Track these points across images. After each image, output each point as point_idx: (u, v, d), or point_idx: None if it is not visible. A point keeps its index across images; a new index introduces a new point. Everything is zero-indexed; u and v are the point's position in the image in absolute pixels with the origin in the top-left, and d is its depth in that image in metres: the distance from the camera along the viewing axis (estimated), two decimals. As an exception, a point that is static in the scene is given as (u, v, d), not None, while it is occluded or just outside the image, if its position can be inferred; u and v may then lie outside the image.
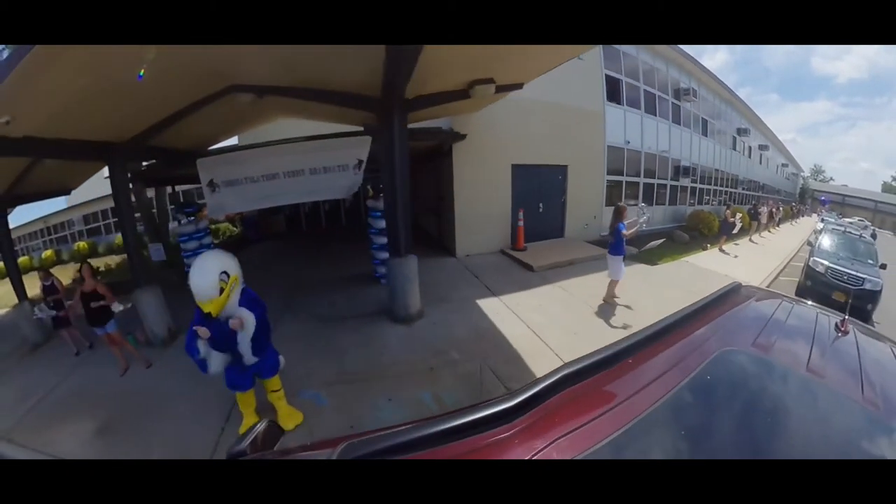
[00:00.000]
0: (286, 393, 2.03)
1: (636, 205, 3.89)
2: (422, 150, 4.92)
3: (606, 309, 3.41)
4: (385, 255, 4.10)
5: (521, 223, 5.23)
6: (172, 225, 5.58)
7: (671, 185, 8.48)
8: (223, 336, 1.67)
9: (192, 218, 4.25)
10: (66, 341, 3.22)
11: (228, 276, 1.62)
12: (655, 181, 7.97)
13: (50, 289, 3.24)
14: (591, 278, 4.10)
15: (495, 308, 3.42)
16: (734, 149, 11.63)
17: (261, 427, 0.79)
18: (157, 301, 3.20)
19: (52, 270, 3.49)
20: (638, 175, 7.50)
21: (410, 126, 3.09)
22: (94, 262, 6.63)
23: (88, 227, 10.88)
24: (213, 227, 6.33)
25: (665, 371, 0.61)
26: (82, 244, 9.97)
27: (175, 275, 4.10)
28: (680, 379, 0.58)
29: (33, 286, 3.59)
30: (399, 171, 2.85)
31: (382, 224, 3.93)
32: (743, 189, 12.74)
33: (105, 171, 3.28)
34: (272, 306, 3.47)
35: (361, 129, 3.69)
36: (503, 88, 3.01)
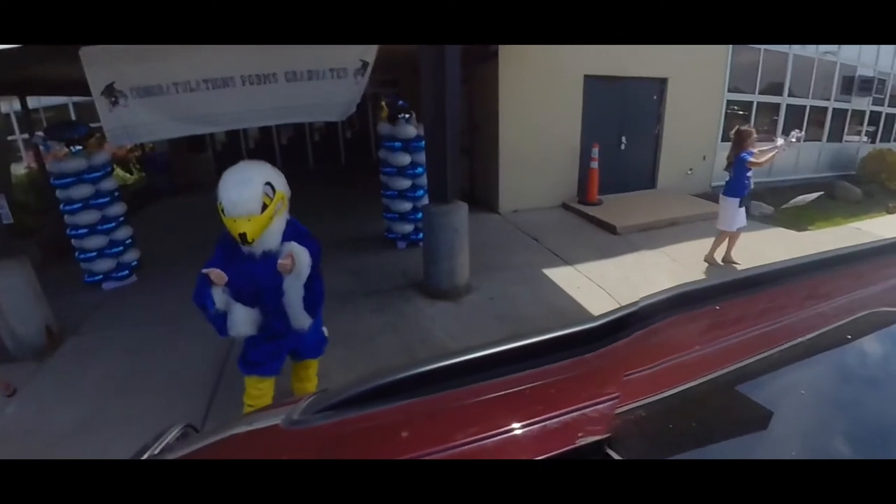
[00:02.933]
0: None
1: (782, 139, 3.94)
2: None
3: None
4: (406, 205, 4.41)
5: (594, 165, 5.29)
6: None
7: (834, 109, 7.86)
8: (258, 281, 1.69)
9: (79, 148, 3.75)
10: None
11: (274, 190, 1.67)
12: (808, 102, 7.40)
13: None
14: (707, 243, 4.48)
15: (571, 279, 3.68)
16: None
17: (173, 434, 0.85)
18: (25, 285, 2.92)
19: None
20: (779, 94, 7.12)
21: None
22: None
23: None
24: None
25: (791, 317, 0.71)
26: None
27: (42, 245, 3.65)
28: (810, 331, 0.65)
29: None
30: (450, 80, 2.92)
31: (404, 160, 4.16)
32: None
33: None
34: None
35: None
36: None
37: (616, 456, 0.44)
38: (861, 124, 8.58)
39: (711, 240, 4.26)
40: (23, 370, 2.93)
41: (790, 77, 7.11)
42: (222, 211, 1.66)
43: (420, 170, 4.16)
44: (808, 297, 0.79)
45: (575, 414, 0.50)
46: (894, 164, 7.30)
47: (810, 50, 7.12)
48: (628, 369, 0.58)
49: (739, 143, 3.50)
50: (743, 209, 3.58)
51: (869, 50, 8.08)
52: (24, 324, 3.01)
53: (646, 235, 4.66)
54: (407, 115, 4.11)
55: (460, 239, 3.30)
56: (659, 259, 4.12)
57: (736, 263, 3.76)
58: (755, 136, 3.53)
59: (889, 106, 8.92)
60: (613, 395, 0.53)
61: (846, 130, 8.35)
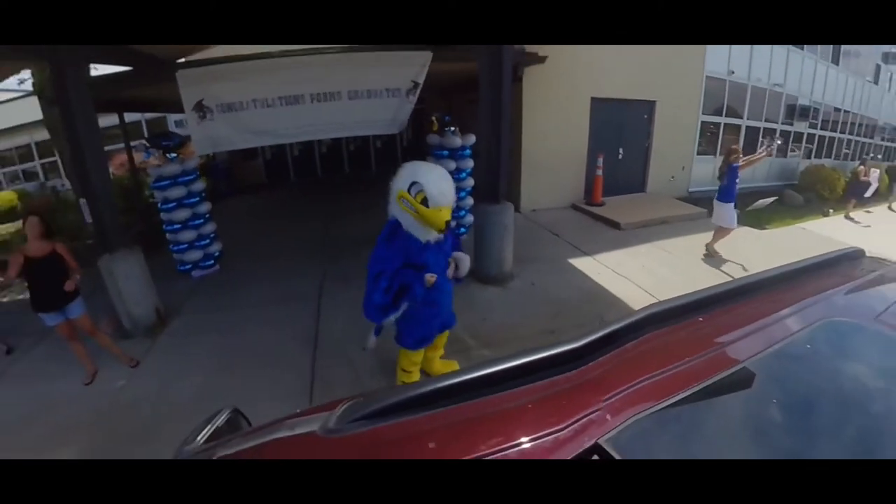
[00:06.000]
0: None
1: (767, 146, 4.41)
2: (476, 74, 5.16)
3: (719, 269, 3.86)
4: None
5: (599, 172, 5.58)
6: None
7: (781, 131, 8.49)
8: (438, 266, 1.72)
9: (175, 155, 3.79)
10: None
11: None
12: (762, 124, 8.02)
13: None
14: (696, 239, 4.50)
15: (593, 268, 3.89)
16: (875, 83, 11.15)
17: (222, 419, 0.86)
18: (139, 272, 2.94)
19: None
20: (740, 116, 7.59)
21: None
22: None
23: None
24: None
25: (757, 330, 0.67)
26: None
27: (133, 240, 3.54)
28: (772, 342, 0.61)
29: None
30: (506, 96, 3.10)
31: (450, 166, 4.27)
32: (883, 139, 12.30)
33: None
34: (330, 272, 3.62)
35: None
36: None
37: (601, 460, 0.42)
38: (801, 143, 8.78)
39: (698, 235, 4.46)
40: (139, 346, 2.92)
41: (748, 104, 7.70)
42: (424, 201, 1.59)
43: (464, 174, 4.38)
44: (765, 311, 0.73)
45: (566, 424, 0.48)
46: (827, 177, 7.90)
47: (763, 82, 7.76)
48: (611, 386, 0.54)
49: (729, 157, 3.81)
50: (736, 211, 3.87)
51: (807, 83, 8.79)
52: (138, 306, 3.05)
53: (644, 231, 5.02)
54: (452, 129, 4.01)
55: (508, 234, 3.44)
56: (658, 251, 4.42)
57: (719, 254, 4.11)
58: (740, 152, 3.90)
59: (821, 129, 9.71)
60: (597, 410, 0.50)
61: (790, 148, 8.61)
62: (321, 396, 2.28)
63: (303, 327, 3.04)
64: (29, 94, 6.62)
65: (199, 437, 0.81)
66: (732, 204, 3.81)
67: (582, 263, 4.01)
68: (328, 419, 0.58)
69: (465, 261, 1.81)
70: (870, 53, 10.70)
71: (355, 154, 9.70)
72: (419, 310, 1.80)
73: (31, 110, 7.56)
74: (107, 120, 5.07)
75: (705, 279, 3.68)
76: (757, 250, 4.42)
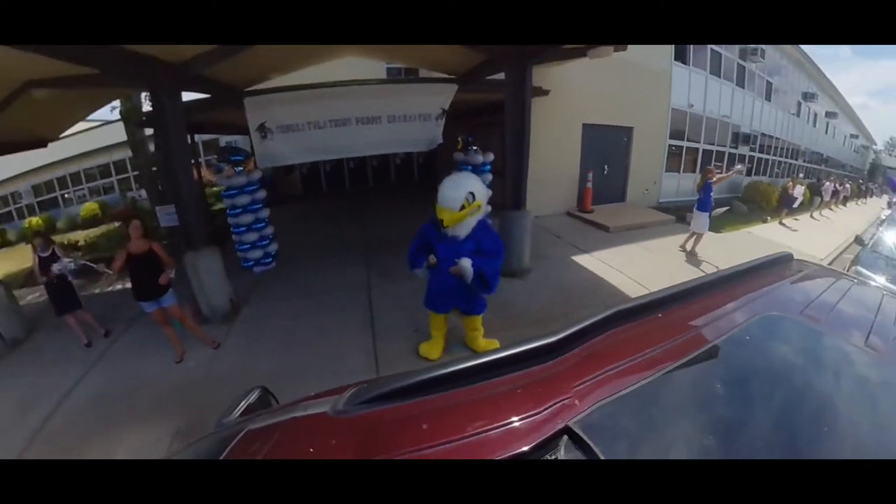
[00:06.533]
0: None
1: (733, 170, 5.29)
2: (492, 102, 5.61)
3: (694, 263, 4.45)
4: None
5: (589, 185, 6.40)
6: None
7: (729, 153, 9.74)
8: (444, 253, 2.00)
9: (241, 169, 4.13)
10: (74, 329, 2.97)
11: (474, 197, 1.90)
12: (715, 147, 9.24)
13: (49, 261, 2.89)
14: (670, 240, 5.19)
15: (591, 263, 4.49)
16: (798, 115, 12.85)
17: (253, 396, 0.92)
18: (217, 267, 3.15)
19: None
20: (698, 141, 8.69)
21: (495, 77, 3.59)
22: (59, 237, 6.41)
23: (39, 199, 10.74)
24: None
25: (705, 324, 0.72)
26: (35, 220, 9.81)
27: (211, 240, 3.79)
28: (718, 334, 0.67)
29: (17, 261, 3.50)
30: (526, 121, 3.63)
31: None
32: (804, 161, 14.01)
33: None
34: (373, 268, 3.88)
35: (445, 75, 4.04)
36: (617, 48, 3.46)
37: (571, 448, 0.45)
38: (743, 163, 9.87)
39: (672, 237, 5.33)
40: (218, 331, 3.14)
41: (704, 130, 8.80)
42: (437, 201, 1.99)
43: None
44: (712, 308, 0.79)
45: (541, 409, 0.51)
46: (764, 191, 9.15)
47: (715, 113, 8.93)
48: (579, 375, 0.57)
49: (706, 176, 4.54)
50: (708, 219, 4.60)
51: (748, 115, 10.12)
52: (217, 296, 3.31)
53: (628, 234, 5.77)
54: (475, 147, 4.35)
55: (527, 234, 3.94)
56: (641, 249, 5.09)
57: (696, 254, 4.83)
58: (714, 172, 4.67)
59: (759, 153, 11.09)
60: (567, 397, 0.52)
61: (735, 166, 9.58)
62: (385, 369, 2.49)
63: (359, 313, 3.28)
64: (115, 121, 7.06)
65: (235, 411, 0.86)
66: (708, 214, 4.60)
67: (582, 259, 4.64)
68: (337, 401, 0.62)
69: (464, 269, 1.98)
70: (793, 91, 12.47)
71: (378, 169, 10.39)
72: (430, 280, 2.28)
73: (110, 135, 9.24)
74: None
75: (680, 271, 4.45)
76: (718, 250, 5.33)
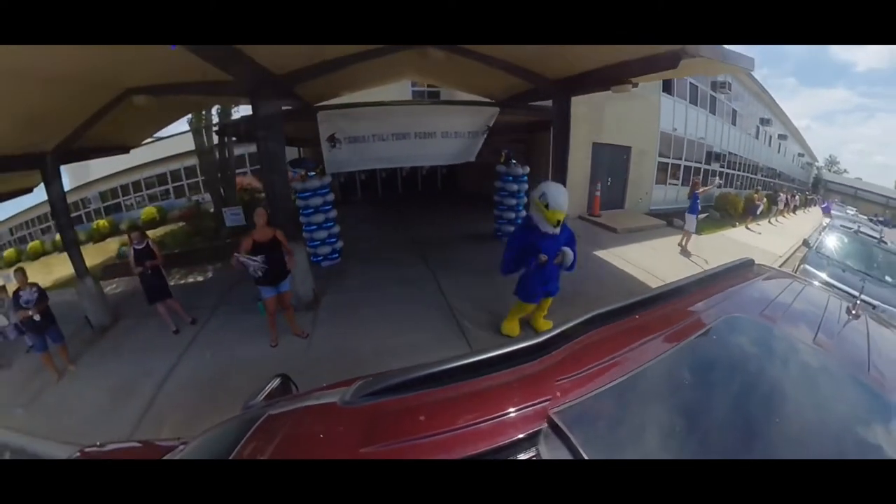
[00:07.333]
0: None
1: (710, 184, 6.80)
2: (522, 123, 6.41)
3: (688, 258, 5.40)
4: (511, 215, 5.66)
5: (598, 193, 7.40)
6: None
7: (704, 169, 11.26)
8: (552, 249, 2.34)
9: (314, 174, 4.49)
10: (163, 317, 3.12)
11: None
12: (693, 164, 10.70)
13: (144, 253, 3.04)
14: (667, 240, 6.10)
15: (609, 257, 5.31)
16: (756, 137, 15.02)
17: (275, 383, 1.03)
18: (304, 260, 3.38)
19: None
20: (680, 158, 10.01)
21: (538, 104, 4.31)
22: (125, 238, 6.93)
23: (105, 204, 12.05)
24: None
25: (677, 327, 0.78)
26: (102, 222, 10.95)
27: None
28: (688, 335, 0.73)
29: (92, 257, 3.60)
30: (568, 141, 4.44)
31: (513, 188, 5.42)
32: (762, 176, 16.24)
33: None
34: (430, 262, 4.37)
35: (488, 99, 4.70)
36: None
37: (552, 438, 0.48)
38: (716, 178, 11.54)
39: (668, 238, 6.32)
40: (304, 318, 3.35)
41: (685, 150, 10.26)
42: (546, 206, 2.36)
43: (522, 195, 5.66)
44: (683, 310, 0.86)
45: (528, 402, 0.54)
46: (732, 200, 10.62)
47: (693, 136, 10.42)
48: (562, 372, 0.60)
49: (694, 187, 5.86)
50: (696, 221, 5.81)
51: (718, 137, 11.77)
52: (303, 287, 3.63)
53: (632, 234, 6.76)
54: (514, 160, 5.07)
55: None
56: (645, 247, 6.06)
57: (689, 250, 5.87)
58: (700, 184, 5.96)
59: (727, 168, 12.82)
60: (550, 392, 0.56)
61: (708, 181, 11.62)
62: (476, 344, 2.77)
63: (434, 300, 3.59)
64: (184, 132, 7.47)
65: (259, 396, 0.93)
66: (696, 216, 5.68)
67: (601, 254, 5.48)
68: (346, 393, 0.65)
69: (569, 254, 2.44)
70: (752, 117, 14.53)
71: (407, 178, 11.18)
72: (532, 277, 2.55)
73: (164, 148, 10.41)
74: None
75: (679, 264, 5.39)
76: (704, 249, 6.40)
